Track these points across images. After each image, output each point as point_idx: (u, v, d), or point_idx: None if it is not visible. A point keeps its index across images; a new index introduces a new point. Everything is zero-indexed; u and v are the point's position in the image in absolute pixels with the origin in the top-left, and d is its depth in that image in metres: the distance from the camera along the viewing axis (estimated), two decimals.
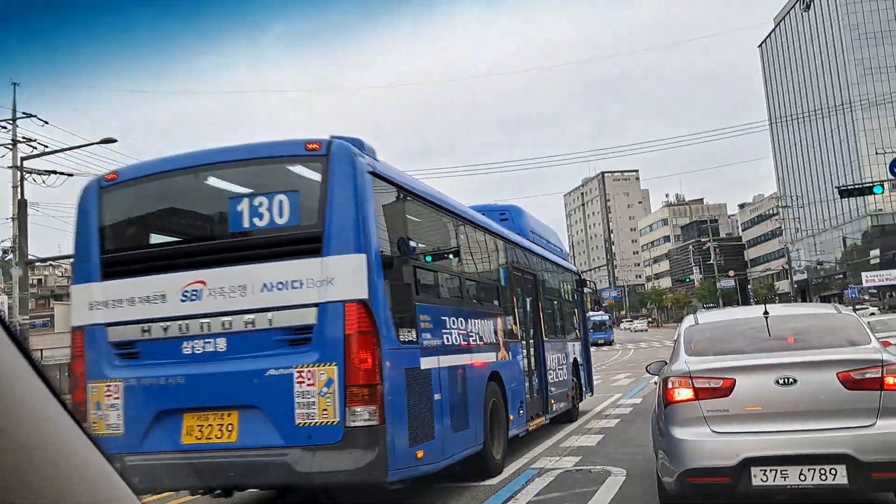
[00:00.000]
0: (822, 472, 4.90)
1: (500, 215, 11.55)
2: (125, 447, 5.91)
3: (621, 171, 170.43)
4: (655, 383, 6.29)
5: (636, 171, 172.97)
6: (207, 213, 6.71)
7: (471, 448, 7.53)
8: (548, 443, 10.44)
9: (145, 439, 6.01)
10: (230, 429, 5.85)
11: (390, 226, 6.45)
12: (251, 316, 5.88)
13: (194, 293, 6.04)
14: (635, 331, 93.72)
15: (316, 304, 5.75)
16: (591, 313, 16.55)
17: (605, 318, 60.78)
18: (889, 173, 26.01)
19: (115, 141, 25.68)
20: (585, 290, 16.12)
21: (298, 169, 6.25)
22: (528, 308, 11.22)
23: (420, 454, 6.20)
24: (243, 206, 6.05)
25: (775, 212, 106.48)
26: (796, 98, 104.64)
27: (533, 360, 10.89)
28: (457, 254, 8.53)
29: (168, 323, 6.09)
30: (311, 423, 5.61)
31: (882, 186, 28.08)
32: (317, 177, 5.96)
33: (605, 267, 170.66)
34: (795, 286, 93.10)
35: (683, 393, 5.39)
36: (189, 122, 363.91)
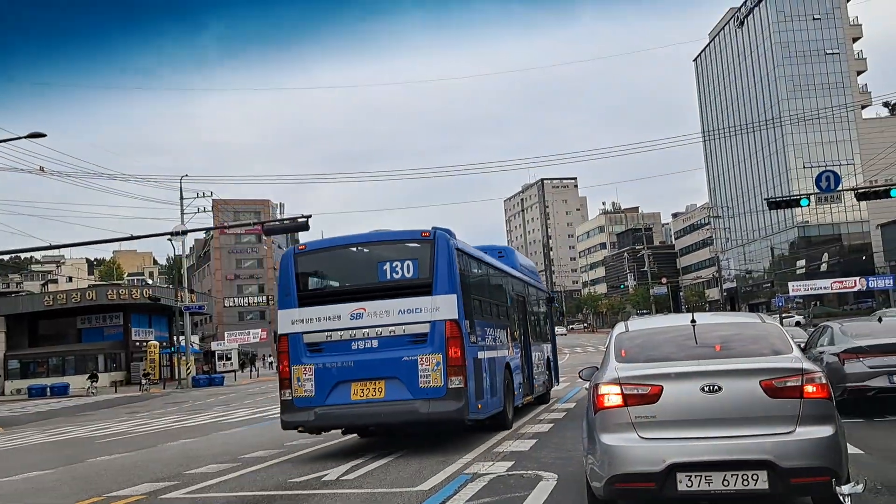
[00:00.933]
0: (745, 477, 5.03)
1: (498, 253, 15.67)
2: (315, 403, 10.40)
3: (560, 179, 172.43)
4: (587, 389, 6.36)
5: (575, 178, 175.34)
6: (365, 269, 11.12)
7: (497, 409, 11.76)
8: (481, 448, 10.48)
9: (328, 398, 10.40)
10: (380, 390, 10.24)
11: (463, 276, 10.85)
12: (393, 328, 10.34)
13: (359, 314, 10.46)
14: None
15: (429, 322, 10.24)
16: None
17: None
18: (815, 187, 26.79)
19: (43, 135, 24.90)
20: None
21: (417, 246, 10.71)
22: (522, 320, 15.67)
23: (479, 406, 10.68)
24: (387, 266, 10.63)
25: (707, 221, 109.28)
26: (729, 112, 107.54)
27: (525, 356, 15.26)
28: (490, 288, 13.19)
29: (342, 332, 10.51)
30: (427, 385, 10.06)
31: (808, 199, 28.88)
32: (427, 251, 10.48)
33: (544, 272, 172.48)
34: (725, 294, 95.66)
35: (612, 399, 5.47)
36: (127, 119, 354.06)
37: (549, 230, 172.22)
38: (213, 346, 66.78)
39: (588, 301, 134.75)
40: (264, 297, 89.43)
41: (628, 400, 5.41)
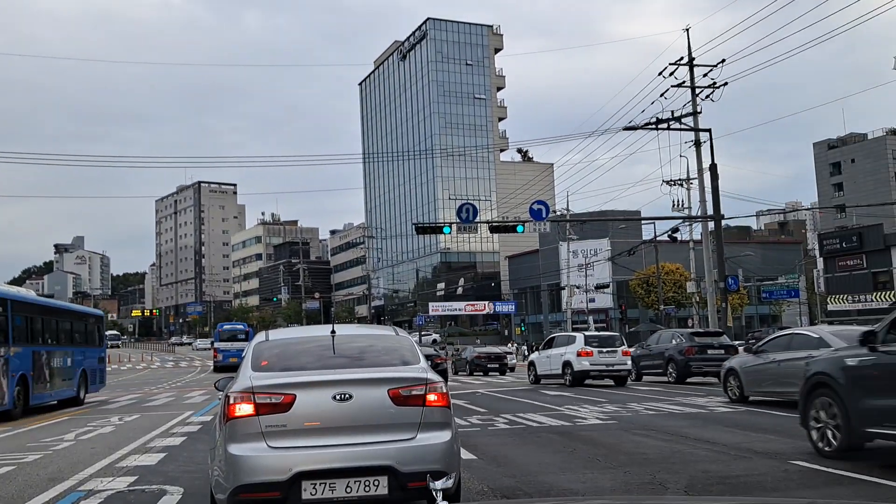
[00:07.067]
0: (367, 483, 5.18)
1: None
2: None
3: (219, 184, 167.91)
4: (220, 399, 6.14)
5: (234, 185, 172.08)
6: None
7: None
8: (102, 462, 9.64)
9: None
10: None
11: None
12: None
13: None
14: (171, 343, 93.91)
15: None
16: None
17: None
18: (457, 217, 28.86)
19: None
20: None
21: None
22: None
23: None
24: None
25: (362, 241, 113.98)
26: (389, 138, 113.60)
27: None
28: None
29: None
30: None
31: (450, 227, 31.23)
32: None
33: (194, 280, 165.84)
34: (373, 311, 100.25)
35: (244, 408, 5.32)
36: None
37: (204, 236, 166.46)
38: None
39: (239, 313, 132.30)
40: None
41: (260, 409, 5.31)
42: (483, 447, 10.17)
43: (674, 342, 24.24)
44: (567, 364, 23.94)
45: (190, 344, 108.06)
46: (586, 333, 26.52)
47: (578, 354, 23.57)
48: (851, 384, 8.24)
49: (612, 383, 23.68)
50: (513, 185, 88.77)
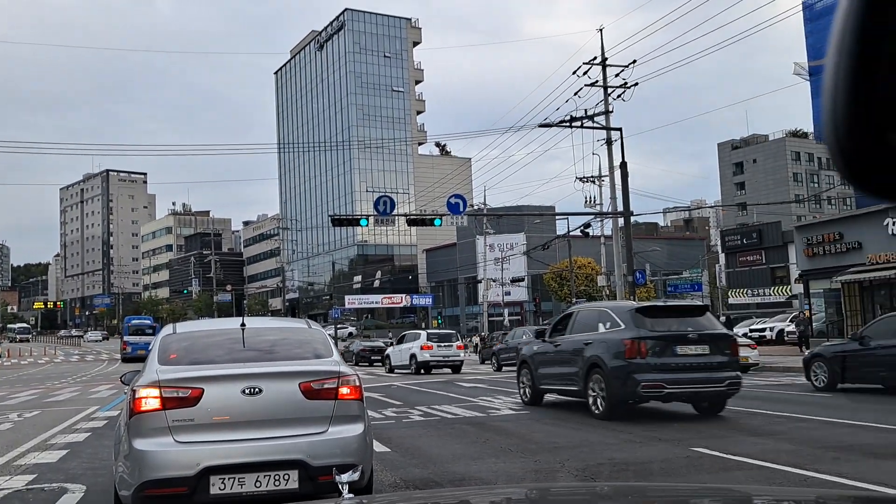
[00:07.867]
0: (277, 478, 5.15)
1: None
2: None
3: (128, 172, 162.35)
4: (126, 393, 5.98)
5: (144, 174, 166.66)
6: None
7: None
8: None
9: None
10: None
11: None
12: None
13: None
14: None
15: None
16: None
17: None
18: (374, 209, 28.69)
19: None
20: None
21: None
22: None
23: None
24: None
25: (276, 232, 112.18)
26: (305, 128, 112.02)
27: None
28: None
29: None
30: None
31: (367, 220, 31.02)
32: None
33: (101, 272, 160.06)
34: (287, 304, 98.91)
35: (150, 403, 5.22)
36: None
37: (112, 226, 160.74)
38: None
39: (148, 305, 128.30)
40: None
41: (167, 403, 5.21)
42: (397, 440, 10.20)
43: (524, 338, 27.68)
44: (413, 356, 28.13)
45: (81, 336, 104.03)
46: (428, 331, 30.71)
47: (421, 348, 27.89)
48: (535, 361, 13.75)
49: (451, 371, 27.82)
50: (431, 178, 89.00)
